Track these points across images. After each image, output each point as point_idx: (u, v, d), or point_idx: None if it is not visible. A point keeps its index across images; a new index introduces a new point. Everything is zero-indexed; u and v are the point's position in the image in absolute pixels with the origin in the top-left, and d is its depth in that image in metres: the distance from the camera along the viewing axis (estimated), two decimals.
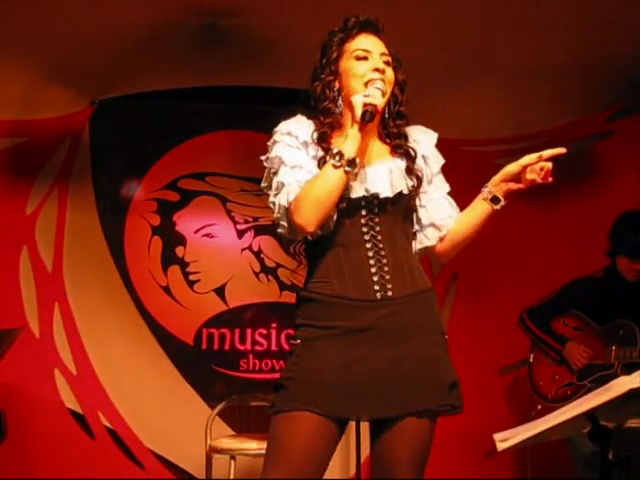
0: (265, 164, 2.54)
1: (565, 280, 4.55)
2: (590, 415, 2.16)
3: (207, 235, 5.57)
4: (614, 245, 4.43)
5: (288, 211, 2.42)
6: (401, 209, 2.52)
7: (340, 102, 2.54)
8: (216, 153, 5.62)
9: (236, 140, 5.58)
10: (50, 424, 5.14)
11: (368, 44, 2.54)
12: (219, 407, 4.63)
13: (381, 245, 2.47)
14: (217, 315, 5.52)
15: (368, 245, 2.47)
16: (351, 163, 2.38)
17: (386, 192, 2.47)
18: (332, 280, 2.46)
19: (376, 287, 2.45)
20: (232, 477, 4.29)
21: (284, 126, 2.53)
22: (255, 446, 4.18)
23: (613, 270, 4.44)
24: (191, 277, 5.52)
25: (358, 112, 2.39)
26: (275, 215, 2.48)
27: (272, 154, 2.50)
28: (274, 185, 2.48)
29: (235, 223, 5.60)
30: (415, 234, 2.61)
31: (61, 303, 5.29)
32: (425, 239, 2.61)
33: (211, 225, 5.59)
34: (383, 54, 2.54)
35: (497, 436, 2.25)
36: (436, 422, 2.49)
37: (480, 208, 2.55)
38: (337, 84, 2.54)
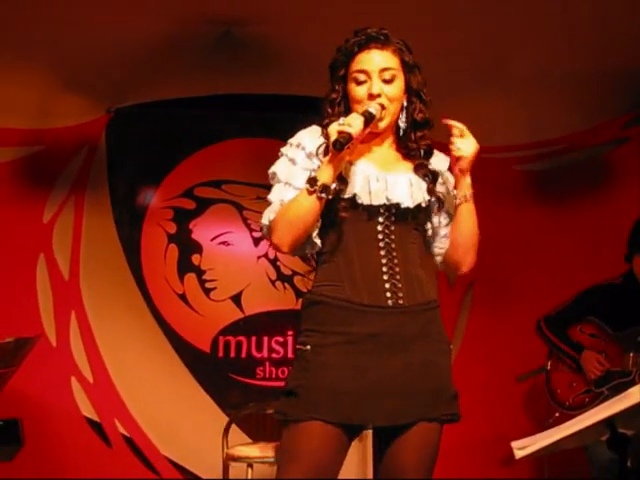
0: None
1: (582, 287, 4.52)
2: (608, 422, 2.14)
3: (223, 243, 5.58)
4: (631, 248, 4.39)
5: (268, 228, 2.48)
6: (416, 221, 2.52)
7: None
8: (232, 161, 5.63)
9: (252, 147, 5.59)
10: (67, 432, 5.16)
11: (367, 64, 2.47)
12: (236, 415, 4.62)
13: (395, 253, 2.46)
14: (233, 323, 5.52)
15: (382, 252, 2.46)
16: (325, 189, 2.37)
17: (407, 202, 2.47)
18: (344, 284, 2.45)
19: (388, 294, 2.43)
20: None
21: (296, 138, 2.54)
22: (272, 454, 4.17)
23: (631, 277, 4.40)
24: (207, 285, 5.52)
25: (331, 140, 2.35)
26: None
27: (271, 169, 2.55)
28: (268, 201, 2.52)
29: (251, 231, 5.60)
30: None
31: (78, 311, 5.31)
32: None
33: (227, 233, 5.60)
34: (384, 70, 2.47)
35: (515, 444, 2.23)
36: (442, 430, 2.48)
37: (457, 211, 2.55)
38: (344, 102, 2.53)
